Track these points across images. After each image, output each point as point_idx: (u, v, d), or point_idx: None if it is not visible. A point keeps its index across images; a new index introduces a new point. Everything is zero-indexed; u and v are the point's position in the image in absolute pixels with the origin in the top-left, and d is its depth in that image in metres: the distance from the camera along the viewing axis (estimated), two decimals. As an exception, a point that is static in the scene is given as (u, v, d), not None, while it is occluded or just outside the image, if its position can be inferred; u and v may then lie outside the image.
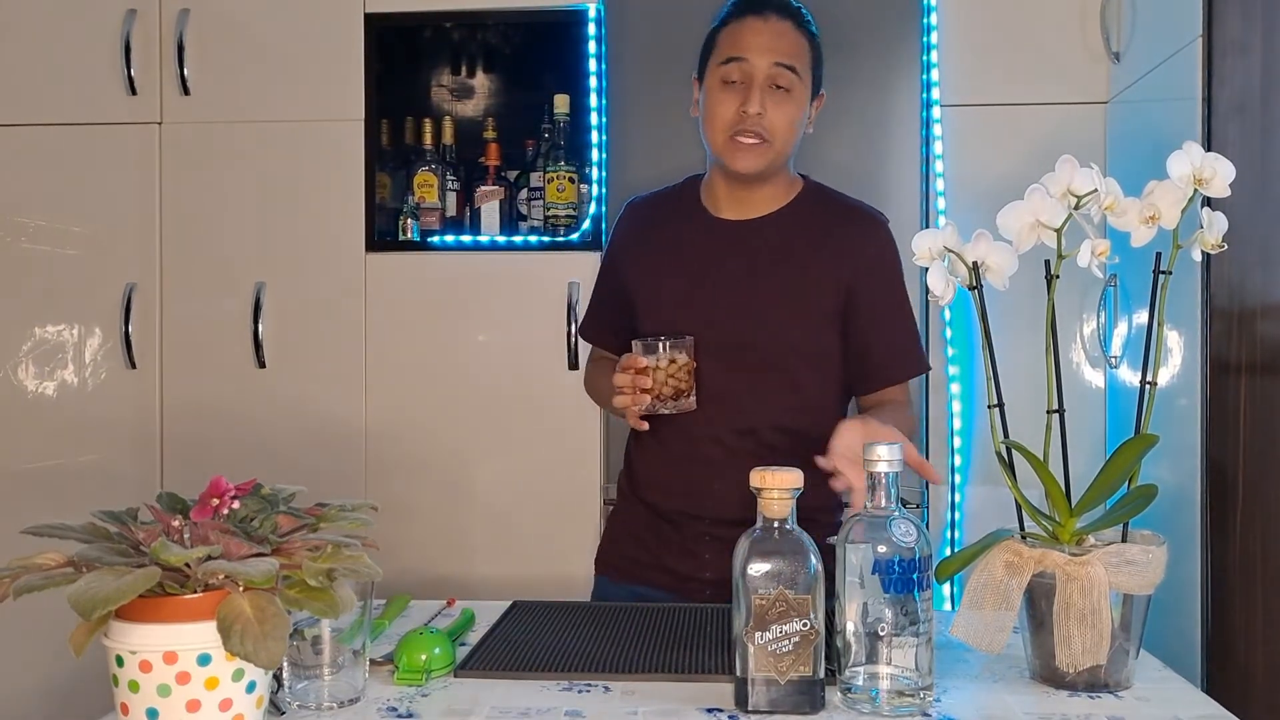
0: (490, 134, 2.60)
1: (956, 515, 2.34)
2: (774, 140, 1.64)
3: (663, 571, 1.73)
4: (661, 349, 1.57)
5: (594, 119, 2.46)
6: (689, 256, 1.73)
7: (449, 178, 2.57)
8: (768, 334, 1.66)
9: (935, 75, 2.37)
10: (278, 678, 1.14)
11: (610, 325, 1.84)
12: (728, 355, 1.65)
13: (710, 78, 1.68)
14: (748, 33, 1.64)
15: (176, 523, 1.01)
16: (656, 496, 1.75)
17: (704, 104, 1.69)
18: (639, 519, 1.78)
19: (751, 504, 1.56)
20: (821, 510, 1.64)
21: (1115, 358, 2.18)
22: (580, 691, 1.21)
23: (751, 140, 1.64)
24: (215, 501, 1.02)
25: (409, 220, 2.54)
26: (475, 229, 2.56)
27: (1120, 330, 2.15)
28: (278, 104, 2.52)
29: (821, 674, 1.12)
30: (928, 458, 2.34)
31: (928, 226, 2.33)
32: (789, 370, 1.67)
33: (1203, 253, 1.26)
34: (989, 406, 1.30)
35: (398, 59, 2.64)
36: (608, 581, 1.81)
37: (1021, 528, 1.30)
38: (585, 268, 2.38)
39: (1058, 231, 1.25)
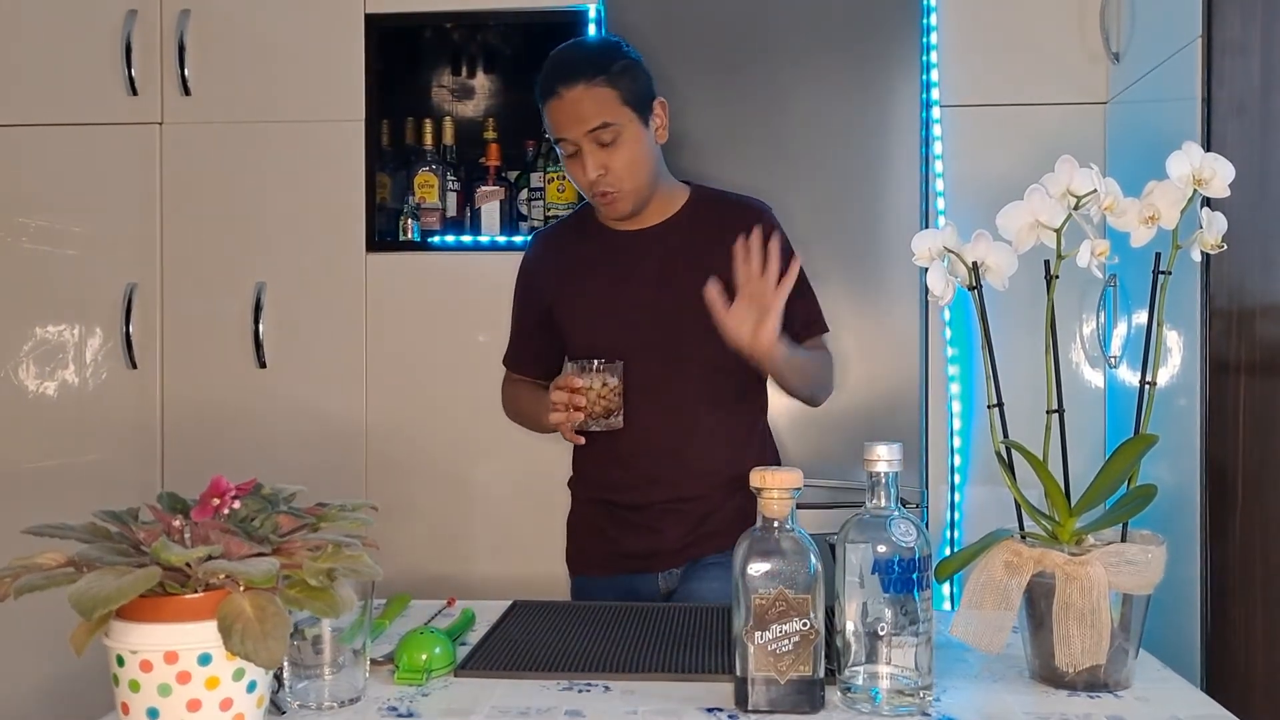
0: (490, 134, 2.60)
1: (956, 515, 2.34)
2: (625, 183, 1.76)
3: (628, 557, 1.84)
4: (595, 372, 1.70)
5: (594, 119, 2.45)
6: (602, 270, 1.85)
7: (449, 178, 2.57)
8: (685, 328, 1.76)
9: (935, 76, 2.37)
10: (278, 677, 1.14)
11: (535, 354, 1.96)
12: (653, 352, 1.77)
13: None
14: (554, 114, 1.76)
15: (177, 522, 1.01)
16: (610, 494, 1.87)
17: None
18: (596, 514, 1.90)
19: (698, 483, 1.79)
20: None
21: (1115, 358, 2.18)
22: (580, 691, 1.21)
23: (608, 192, 1.76)
24: (216, 501, 1.02)
25: (409, 220, 2.54)
26: (475, 229, 2.56)
27: (1120, 330, 2.15)
28: (278, 104, 2.52)
29: (821, 673, 1.12)
30: (927, 458, 2.35)
31: (927, 227, 2.33)
32: (709, 357, 1.75)
33: (1202, 253, 1.26)
34: (988, 406, 1.30)
35: (398, 60, 2.64)
36: (584, 579, 1.93)
37: (1021, 527, 1.30)
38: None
39: (1057, 232, 1.25)
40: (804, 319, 1.85)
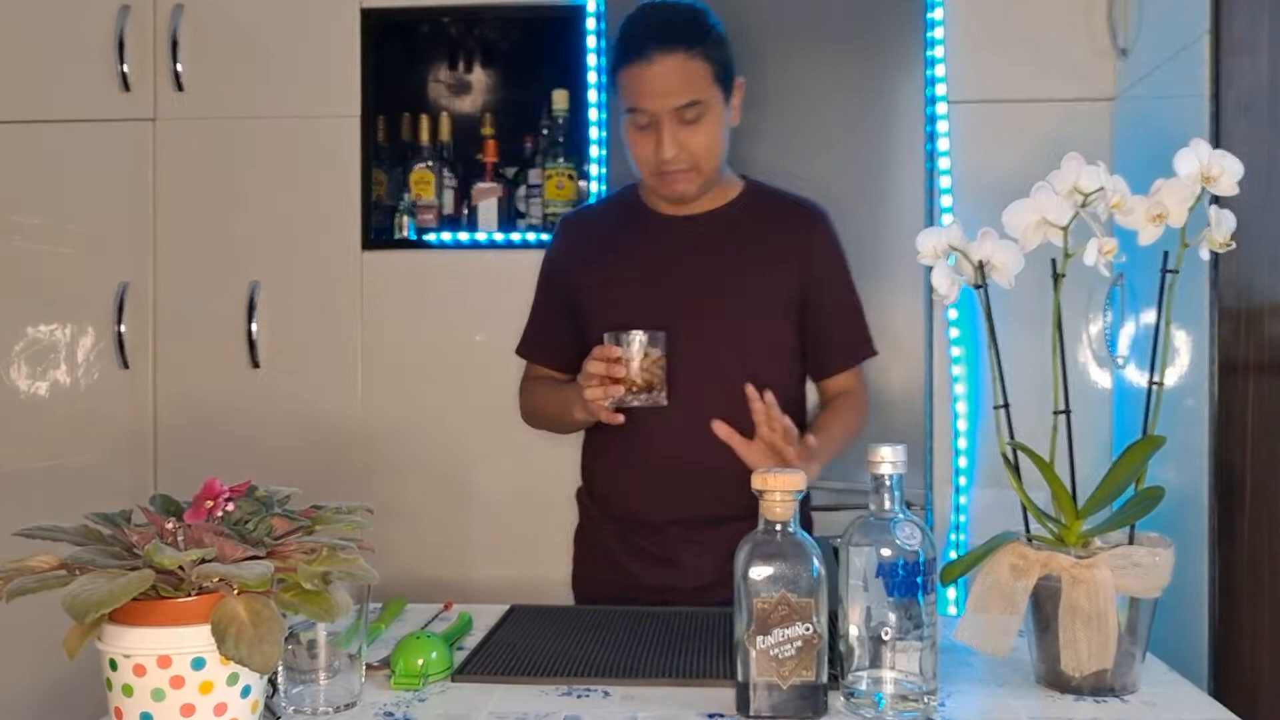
0: (488, 130, 2.59)
1: (961, 518, 2.32)
2: (698, 164, 1.66)
3: (639, 589, 1.72)
4: (637, 341, 1.56)
5: (593, 115, 2.44)
6: (639, 255, 1.74)
7: (446, 175, 2.56)
8: (722, 325, 1.68)
9: (939, 71, 2.35)
10: (273, 682, 1.14)
11: (554, 342, 1.84)
12: (685, 350, 1.64)
13: (625, 118, 1.67)
14: (638, 81, 1.61)
15: (170, 525, 1.00)
16: (626, 507, 1.75)
17: (625, 139, 1.70)
18: (608, 534, 1.78)
19: (727, 501, 1.61)
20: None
21: (1122, 358, 2.16)
22: (579, 696, 1.20)
23: (678, 170, 1.66)
24: (209, 503, 1.01)
25: (405, 218, 2.53)
26: (473, 227, 2.54)
27: (1127, 330, 2.13)
28: (273, 100, 2.51)
29: (824, 678, 1.12)
30: (932, 460, 2.34)
31: (932, 224, 2.32)
32: (746, 362, 1.67)
33: (1211, 251, 1.25)
34: (994, 407, 1.29)
35: (394, 54, 2.62)
36: (584, 605, 1.81)
37: (1027, 530, 1.29)
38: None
39: (1064, 230, 1.25)
40: (845, 344, 1.76)
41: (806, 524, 1.76)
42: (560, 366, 1.81)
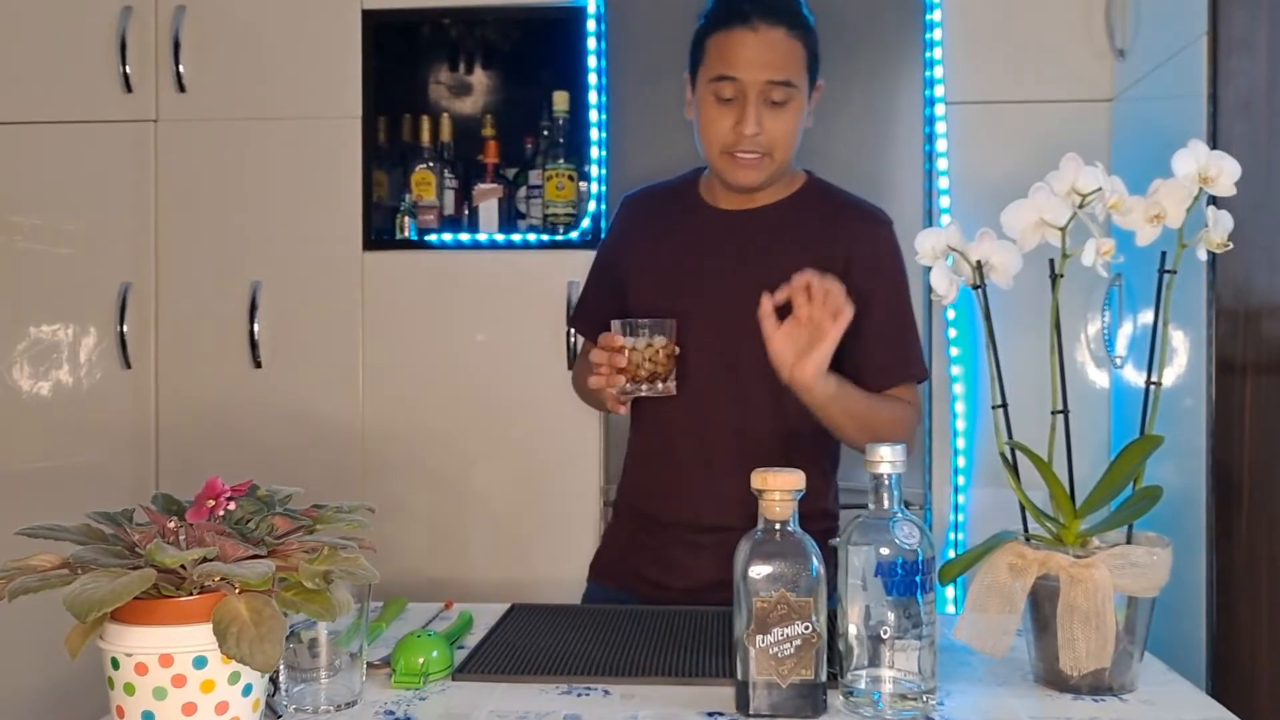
0: (489, 131, 2.59)
1: (960, 517, 2.33)
2: (773, 153, 1.60)
3: (636, 578, 1.70)
4: (642, 331, 1.53)
5: (594, 116, 2.45)
6: (680, 244, 1.69)
7: (447, 175, 2.56)
8: (752, 326, 1.57)
9: (938, 72, 2.35)
10: (274, 680, 1.13)
11: (601, 318, 1.75)
12: (712, 347, 1.61)
13: (702, 89, 1.61)
14: (737, 46, 1.55)
15: (172, 524, 1.00)
16: (637, 499, 1.74)
17: (697, 115, 1.63)
18: (626, 525, 1.77)
19: (728, 509, 1.57)
20: (812, 516, 1.64)
21: (1120, 358, 2.17)
22: (579, 695, 1.20)
23: (750, 156, 1.59)
24: (211, 503, 1.01)
25: (406, 218, 2.53)
26: (473, 227, 2.55)
27: (1125, 330, 2.14)
28: (274, 101, 2.51)
29: (823, 677, 1.11)
30: (931, 460, 2.34)
31: (930, 225, 2.32)
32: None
33: (1208, 252, 1.25)
34: (993, 407, 1.29)
35: (395, 55, 2.63)
36: (594, 584, 1.80)
37: (1025, 530, 1.29)
38: (584, 267, 2.35)
39: (1062, 230, 1.24)
40: (882, 363, 1.63)
41: (831, 530, 1.71)
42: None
